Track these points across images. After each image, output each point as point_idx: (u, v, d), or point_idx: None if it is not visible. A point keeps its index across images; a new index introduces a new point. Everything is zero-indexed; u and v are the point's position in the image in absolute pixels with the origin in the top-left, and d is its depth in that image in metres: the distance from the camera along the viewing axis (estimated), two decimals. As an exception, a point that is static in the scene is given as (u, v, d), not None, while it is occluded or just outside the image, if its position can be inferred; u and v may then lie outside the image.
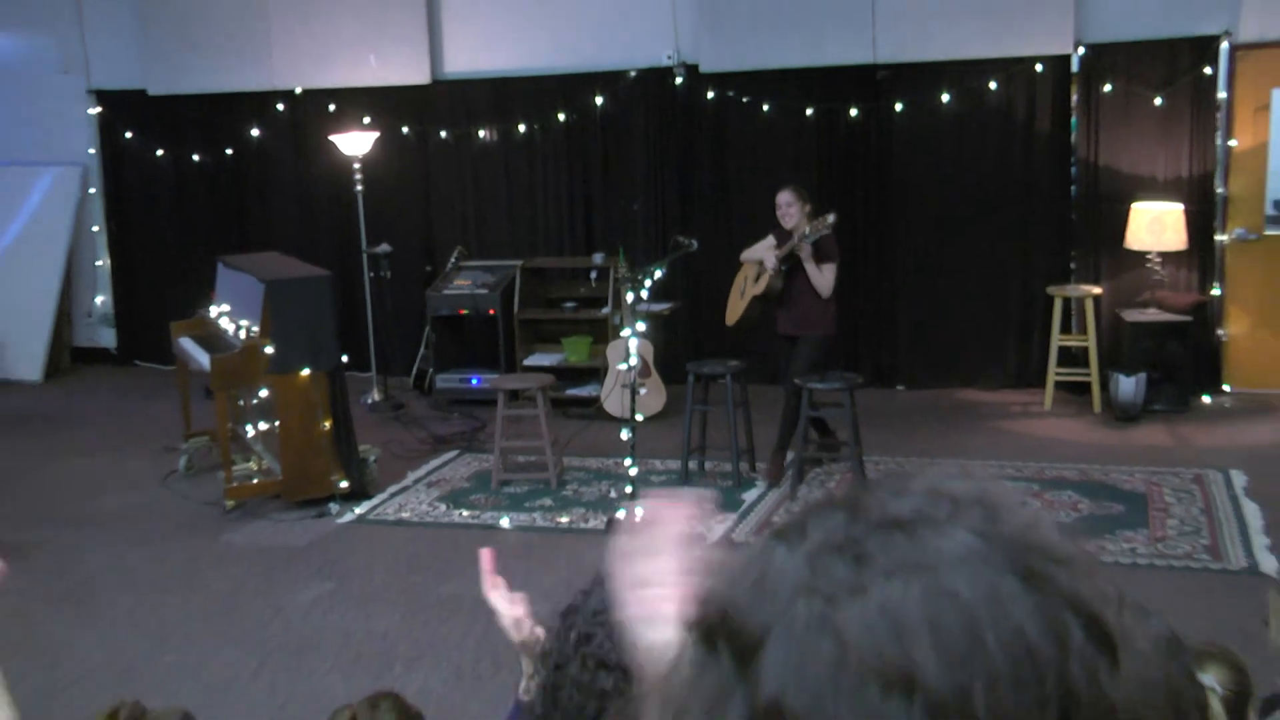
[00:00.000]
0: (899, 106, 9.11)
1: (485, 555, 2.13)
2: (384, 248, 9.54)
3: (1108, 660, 0.66)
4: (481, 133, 10.03)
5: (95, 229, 11.26)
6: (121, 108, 10.91)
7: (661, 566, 1.02)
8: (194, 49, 10.39)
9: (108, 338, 11.40)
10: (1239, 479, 7.05)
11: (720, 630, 0.70)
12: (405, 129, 10.08)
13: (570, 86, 9.74)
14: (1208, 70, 8.58)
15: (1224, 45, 8.53)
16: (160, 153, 10.84)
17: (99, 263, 11.32)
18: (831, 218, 7.19)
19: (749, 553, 0.73)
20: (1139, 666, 0.67)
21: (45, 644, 5.38)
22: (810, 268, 7.24)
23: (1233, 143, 8.69)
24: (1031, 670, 0.64)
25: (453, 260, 9.85)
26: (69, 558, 6.59)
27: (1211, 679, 2.84)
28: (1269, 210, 8.73)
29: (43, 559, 6.56)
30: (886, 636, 0.64)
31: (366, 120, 9.69)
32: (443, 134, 10.09)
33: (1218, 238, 8.75)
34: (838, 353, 8.02)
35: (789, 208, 7.34)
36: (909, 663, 0.63)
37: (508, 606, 2.13)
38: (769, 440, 7.61)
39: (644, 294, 7.45)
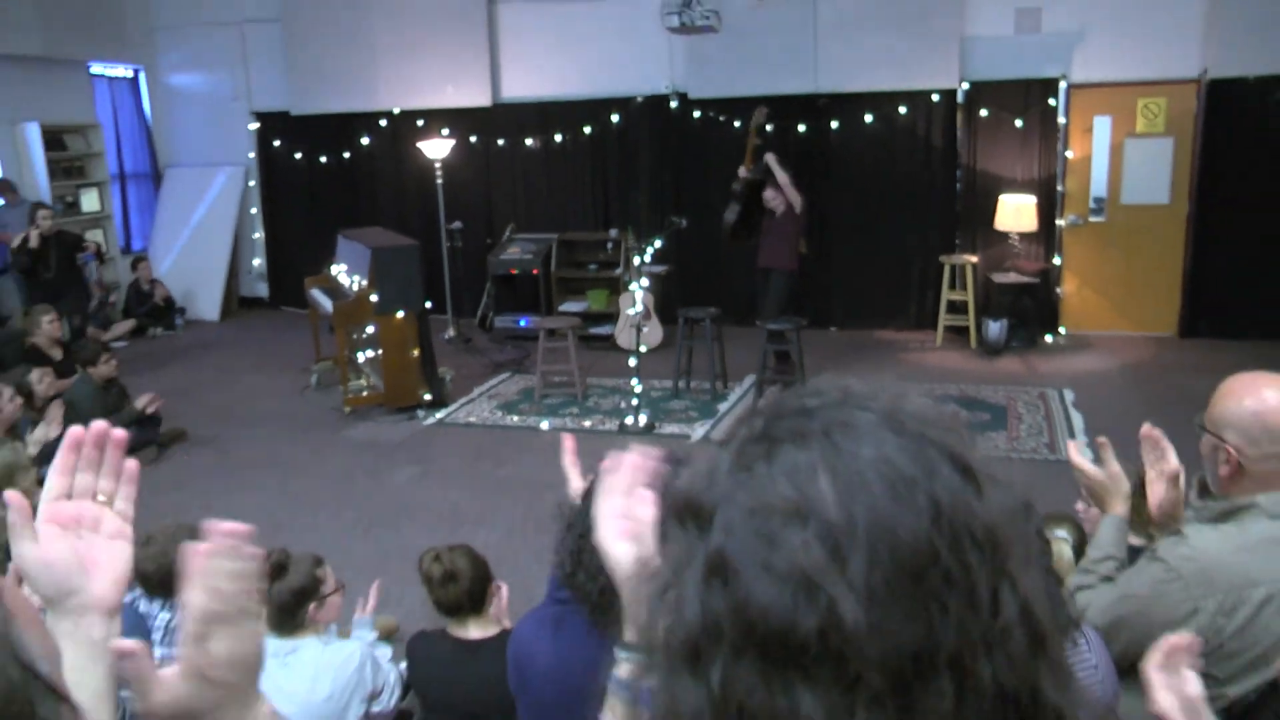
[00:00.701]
0: (835, 125, 8.95)
1: (568, 439, 1.92)
2: (457, 224, 9.46)
3: (973, 488, 0.64)
4: (529, 141, 9.86)
5: (254, 211, 11.14)
6: (273, 124, 10.74)
7: (625, 502, 0.96)
8: (324, 81, 10.23)
9: (262, 289, 11.32)
10: (1069, 395, 7.01)
11: (685, 511, 0.68)
12: (473, 139, 9.90)
13: (594, 108, 9.57)
14: (1052, 102, 8.48)
15: (1063, 84, 8.43)
16: (298, 156, 10.68)
17: (256, 235, 11.21)
18: (765, 110, 7.51)
19: (703, 457, 0.70)
20: (1001, 496, 0.65)
21: (220, 507, 5.34)
22: (778, 172, 7.22)
23: (1069, 154, 8.60)
24: (905, 489, 0.62)
25: (507, 234, 9.72)
26: (236, 445, 6.58)
27: (1063, 533, 2.90)
28: (1092, 204, 8.71)
29: (220, 446, 6.58)
30: (786, 482, 0.63)
31: (445, 132, 9.50)
32: (500, 142, 9.92)
33: (1058, 222, 8.66)
34: (799, 293, 7.90)
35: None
36: (803, 498, 0.62)
37: (577, 479, 2.01)
38: (738, 366, 7.55)
39: (647, 259, 7.39)
